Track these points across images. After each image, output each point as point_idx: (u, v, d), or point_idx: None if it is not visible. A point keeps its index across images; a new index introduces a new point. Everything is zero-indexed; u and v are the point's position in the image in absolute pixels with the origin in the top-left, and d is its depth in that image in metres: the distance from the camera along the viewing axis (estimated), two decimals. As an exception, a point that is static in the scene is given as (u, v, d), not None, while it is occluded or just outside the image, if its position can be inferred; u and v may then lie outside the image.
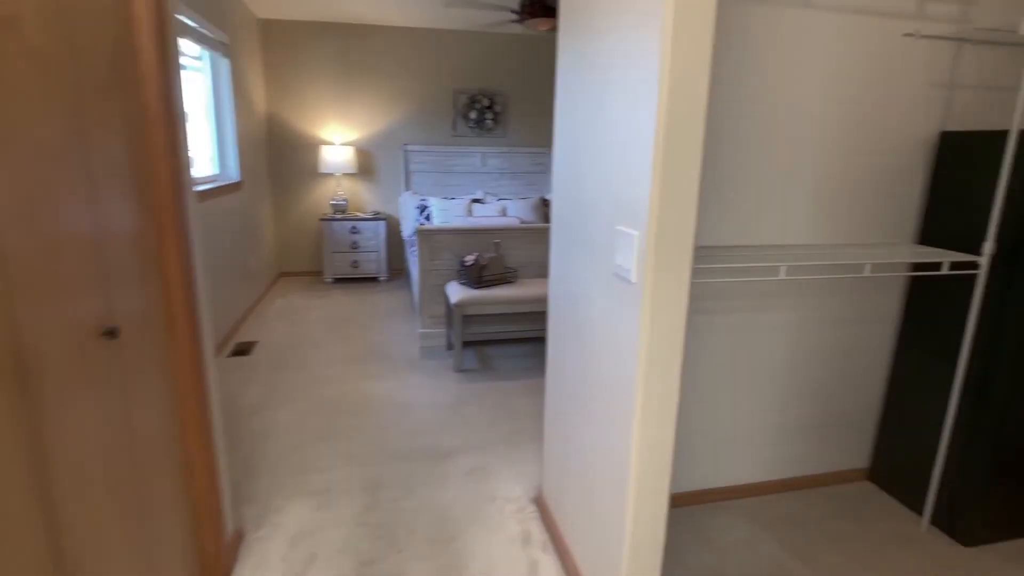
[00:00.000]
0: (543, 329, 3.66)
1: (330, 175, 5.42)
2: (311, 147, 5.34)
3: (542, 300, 3.31)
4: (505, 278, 3.46)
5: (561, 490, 1.89)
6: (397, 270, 5.73)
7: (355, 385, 3.12)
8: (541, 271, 3.72)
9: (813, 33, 1.86)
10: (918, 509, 2.17)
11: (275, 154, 5.32)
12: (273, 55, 5.12)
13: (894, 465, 2.27)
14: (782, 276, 1.68)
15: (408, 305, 4.65)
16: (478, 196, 5.41)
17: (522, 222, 4.82)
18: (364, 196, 5.56)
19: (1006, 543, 2.02)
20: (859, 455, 2.37)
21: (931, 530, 2.08)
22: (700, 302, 2.01)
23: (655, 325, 1.24)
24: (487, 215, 4.96)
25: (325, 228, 5.12)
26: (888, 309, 2.23)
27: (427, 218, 5.10)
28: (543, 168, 5.73)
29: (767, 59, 1.83)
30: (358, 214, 5.35)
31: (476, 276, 3.32)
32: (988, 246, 1.85)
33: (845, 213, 2.06)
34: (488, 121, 5.50)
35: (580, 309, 1.62)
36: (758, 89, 1.85)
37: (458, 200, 5.07)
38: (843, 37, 1.89)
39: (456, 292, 3.27)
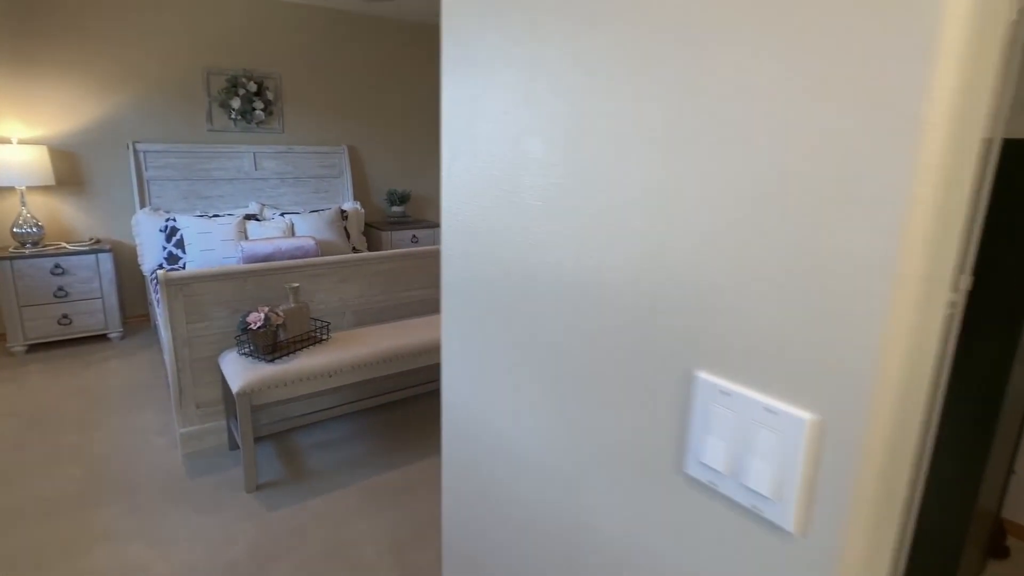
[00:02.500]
0: (370, 396, 2.70)
1: (8, 189, 3.62)
2: (-34, 147, 3.49)
3: (371, 363, 2.37)
4: (312, 337, 2.42)
5: None
6: (137, 319, 4.14)
7: (61, 562, 1.82)
8: (361, 318, 2.75)
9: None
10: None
11: None
12: None
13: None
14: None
15: (160, 374, 3.24)
16: (253, 211, 4.12)
17: (317, 243, 3.73)
18: (72, 218, 3.85)
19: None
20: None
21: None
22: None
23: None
24: (269, 236, 3.74)
25: (3, 270, 3.36)
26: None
27: (178, 246, 3.68)
28: (336, 171, 4.64)
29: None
30: (64, 245, 3.66)
31: (268, 344, 2.23)
32: None
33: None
34: (258, 112, 4.21)
35: (561, 529, 0.78)
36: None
37: (224, 219, 3.75)
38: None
39: (238, 370, 2.14)
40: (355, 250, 4.29)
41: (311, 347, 2.36)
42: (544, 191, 0.74)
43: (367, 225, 4.78)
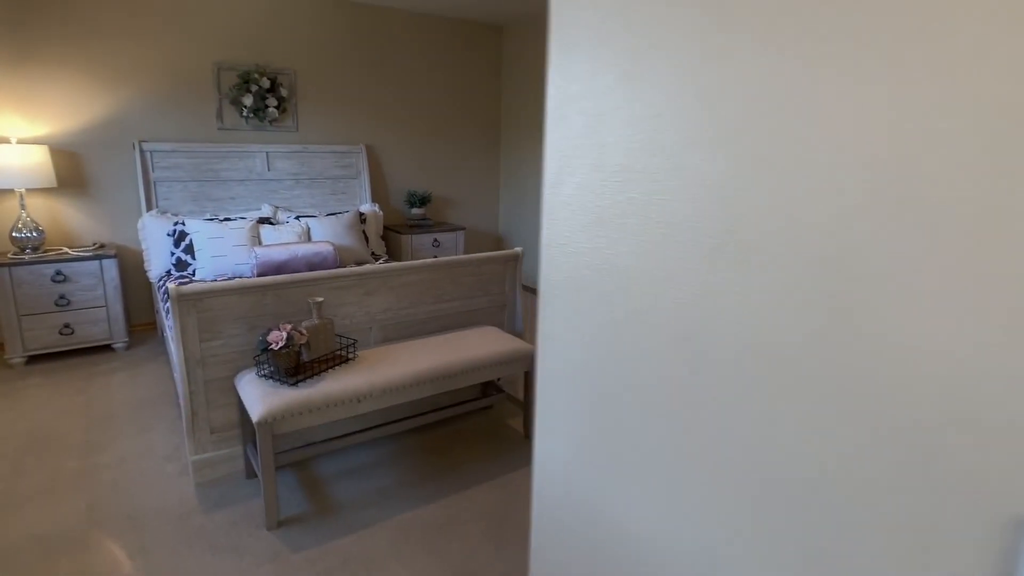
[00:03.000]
0: (401, 419, 2.50)
1: (7, 191, 3.42)
2: (-37, 146, 3.29)
3: (406, 386, 2.16)
4: (338, 357, 2.21)
5: None
6: (143, 327, 3.94)
7: (65, 612, 1.62)
8: (388, 333, 2.54)
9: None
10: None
11: None
12: None
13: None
14: None
15: (168, 388, 3.04)
16: (266, 214, 3.92)
17: (335, 249, 3.53)
18: (75, 221, 3.65)
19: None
20: None
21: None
22: None
23: None
24: (285, 242, 3.54)
25: (2, 277, 3.17)
26: None
27: (187, 251, 3.49)
28: (353, 171, 4.43)
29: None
30: (66, 250, 3.47)
31: (291, 366, 2.02)
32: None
33: None
34: (271, 109, 4.00)
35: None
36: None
37: (236, 222, 3.54)
38: None
39: (258, 396, 1.94)
40: (374, 255, 4.08)
41: (337, 368, 2.15)
42: (723, 224, 0.53)
43: (386, 228, 4.57)
